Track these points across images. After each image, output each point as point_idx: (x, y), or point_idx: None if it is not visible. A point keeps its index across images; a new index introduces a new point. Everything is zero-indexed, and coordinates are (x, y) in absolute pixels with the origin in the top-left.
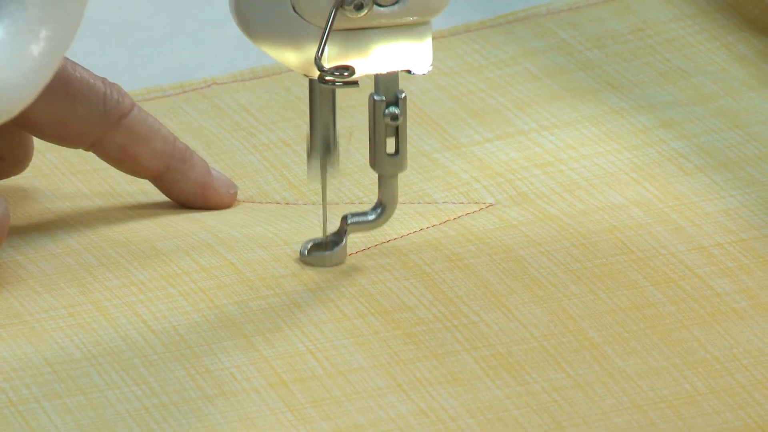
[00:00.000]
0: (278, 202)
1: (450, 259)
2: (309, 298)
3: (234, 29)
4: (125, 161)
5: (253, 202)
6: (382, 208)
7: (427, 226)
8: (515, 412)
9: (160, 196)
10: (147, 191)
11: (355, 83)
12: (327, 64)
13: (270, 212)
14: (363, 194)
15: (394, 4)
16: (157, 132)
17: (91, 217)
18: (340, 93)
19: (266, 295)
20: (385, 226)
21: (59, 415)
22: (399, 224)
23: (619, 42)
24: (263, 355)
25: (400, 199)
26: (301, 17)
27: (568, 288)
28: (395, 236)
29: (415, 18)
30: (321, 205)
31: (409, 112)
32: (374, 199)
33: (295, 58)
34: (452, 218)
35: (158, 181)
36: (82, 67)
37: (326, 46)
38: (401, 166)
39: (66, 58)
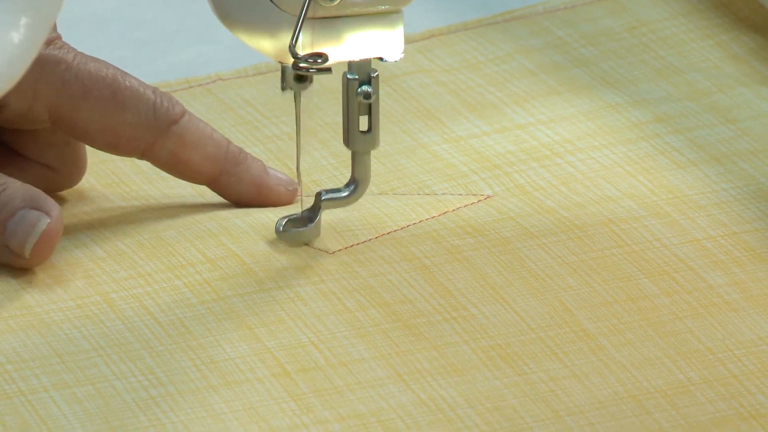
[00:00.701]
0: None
1: (449, 251)
2: (311, 291)
3: None
4: (177, 167)
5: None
6: (356, 184)
7: (427, 217)
8: (513, 401)
9: (166, 185)
10: (152, 179)
11: (328, 70)
12: (301, 52)
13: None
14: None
15: None
16: (209, 137)
17: (96, 208)
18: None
19: (270, 287)
20: (386, 218)
21: (68, 404)
22: (399, 216)
23: (614, 39)
24: (267, 346)
25: (400, 190)
26: (276, 6)
27: (564, 280)
28: (396, 228)
29: (387, 7)
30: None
31: (408, 106)
32: (374, 189)
33: (270, 45)
34: (451, 210)
35: (213, 184)
36: (133, 77)
37: (300, 34)
38: (374, 144)
39: (116, 68)
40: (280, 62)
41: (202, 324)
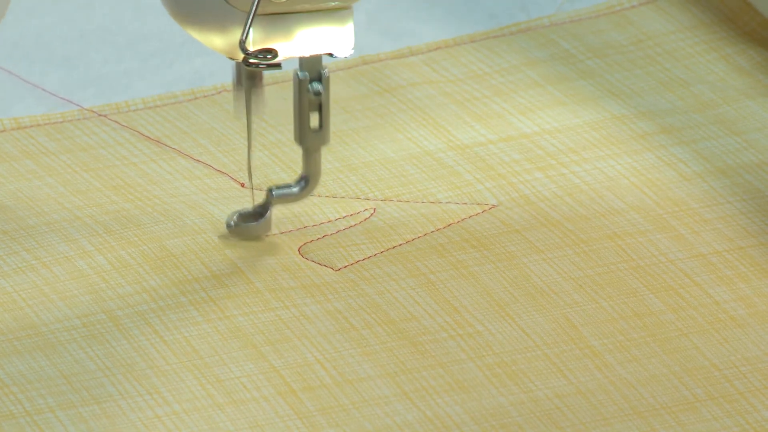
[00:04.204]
0: None
1: (455, 266)
2: (317, 310)
3: None
4: None
5: (261, 189)
6: (306, 181)
7: (432, 230)
8: (519, 419)
9: (171, 187)
10: (157, 181)
11: (278, 66)
12: (251, 48)
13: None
14: (369, 189)
15: None
16: None
17: (102, 210)
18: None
19: (275, 307)
20: (391, 231)
21: (73, 424)
22: (404, 228)
23: (619, 52)
24: (272, 364)
25: (404, 198)
26: (227, 2)
27: (570, 296)
28: (401, 241)
29: (337, 3)
30: (328, 197)
31: (413, 115)
32: (378, 194)
33: (221, 41)
34: (456, 221)
35: None
36: None
37: (251, 30)
38: (324, 140)
39: None
40: (231, 58)
41: (208, 343)
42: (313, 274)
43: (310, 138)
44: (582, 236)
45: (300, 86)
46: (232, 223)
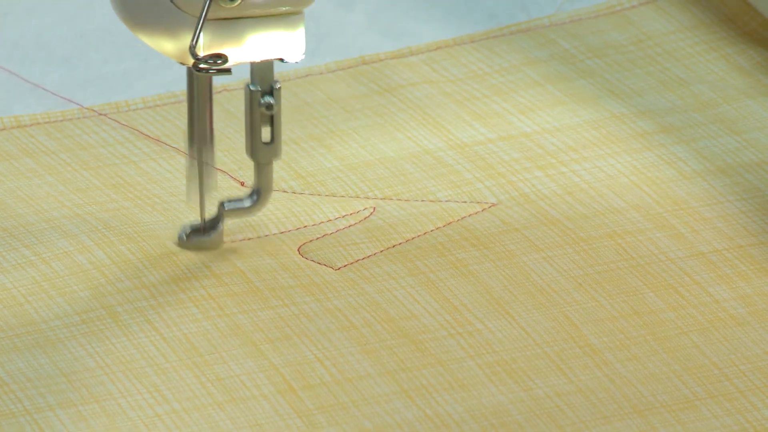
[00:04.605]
0: (285, 190)
1: (454, 265)
2: (317, 308)
3: None
4: None
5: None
6: (258, 195)
7: (432, 228)
8: (519, 417)
9: (171, 185)
10: (157, 180)
11: (228, 71)
12: (201, 53)
13: (277, 201)
14: (368, 188)
15: None
16: None
17: (101, 208)
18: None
19: (275, 305)
20: (391, 230)
21: (73, 422)
22: (404, 227)
23: (619, 52)
24: (272, 362)
25: (404, 197)
26: (177, 7)
27: (569, 295)
28: (401, 240)
29: (287, 8)
30: (328, 196)
31: (413, 114)
32: (378, 193)
33: (171, 46)
34: (456, 220)
35: None
36: None
37: (201, 35)
38: (276, 154)
39: None
40: (181, 63)
41: (207, 340)
42: (312, 273)
43: (262, 151)
44: (582, 235)
45: (251, 99)
46: (184, 236)
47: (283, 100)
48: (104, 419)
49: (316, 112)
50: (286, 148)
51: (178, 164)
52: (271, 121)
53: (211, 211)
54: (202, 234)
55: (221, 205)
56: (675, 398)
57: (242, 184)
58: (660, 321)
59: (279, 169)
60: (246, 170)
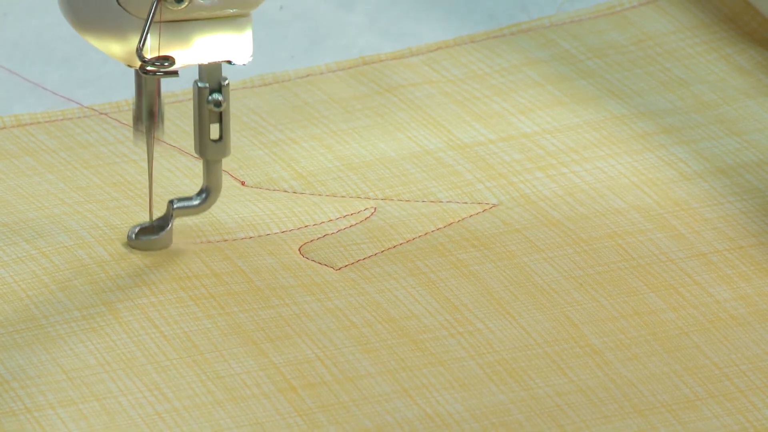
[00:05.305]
0: (286, 190)
1: (455, 265)
2: (317, 308)
3: None
4: None
5: (261, 188)
6: (207, 193)
7: (432, 229)
8: (519, 416)
9: (171, 184)
10: (157, 179)
11: (175, 73)
12: (149, 55)
13: (278, 201)
14: (369, 188)
15: None
16: None
17: (102, 206)
18: None
19: (275, 304)
20: (391, 230)
21: (73, 421)
22: (404, 227)
23: (620, 52)
24: (273, 361)
25: (404, 197)
26: (124, 9)
27: (570, 295)
28: (401, 241)
29: (235, 10)
30: (329, 196)
31: (414, 114)
32: (379, 193)
33: (119, 48)
34: (456, 220)
35: None
36: None
37: (148, 38)
38: (225, 152)
39: None
40: (128, 66)
41: (208, 339)
42: (313, 273)
43: (211, 149)
44: (582, 235)
45: (199, 96)
46: (133, 236)
47: (284, 100)
48: (104, 417)
49: (317, 112)
50: (285, 146)
51: (178, 163)
52: (220, 118)
53: (160, 210)
54: (151, 233)
55: (170, 203)
56: (675, 398)
57: (242, 183)
58: (661, 321)
59: (280, 170)
60: (246, 170)
